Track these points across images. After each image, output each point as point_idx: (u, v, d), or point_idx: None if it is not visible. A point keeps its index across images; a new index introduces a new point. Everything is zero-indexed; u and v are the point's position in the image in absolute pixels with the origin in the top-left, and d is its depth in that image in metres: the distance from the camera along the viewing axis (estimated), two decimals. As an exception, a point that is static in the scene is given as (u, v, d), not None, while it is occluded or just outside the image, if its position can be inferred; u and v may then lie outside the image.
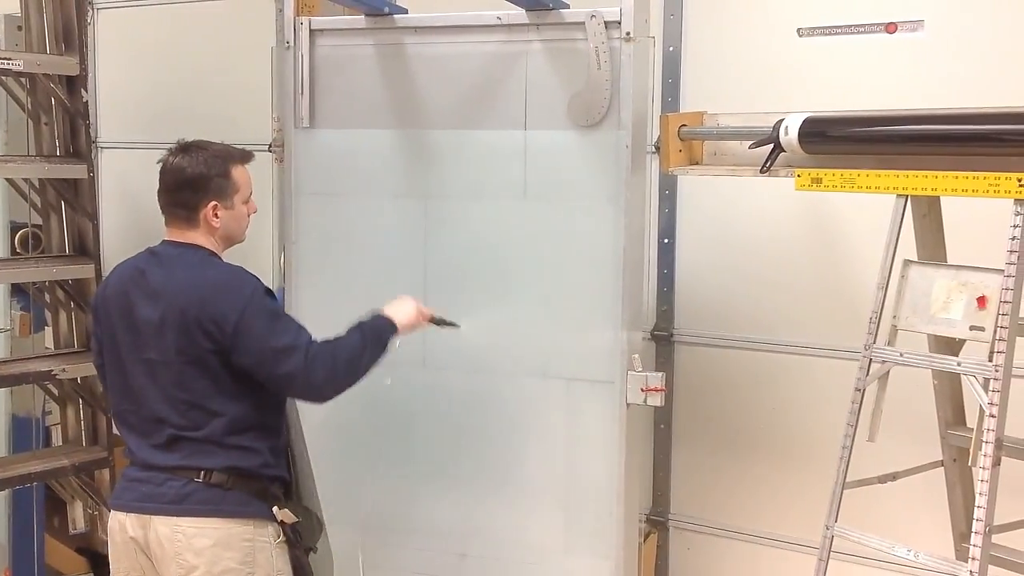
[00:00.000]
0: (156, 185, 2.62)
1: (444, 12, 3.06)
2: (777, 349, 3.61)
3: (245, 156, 2.66)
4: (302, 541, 2.65)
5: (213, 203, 2.57)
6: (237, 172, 2.62)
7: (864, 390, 2.79)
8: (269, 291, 2.60)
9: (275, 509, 2.56)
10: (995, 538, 2.64)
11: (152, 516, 2.50)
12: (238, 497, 2.51)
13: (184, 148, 2.61)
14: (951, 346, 2.76)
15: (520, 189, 3.00)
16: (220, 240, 2.63)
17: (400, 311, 2.73)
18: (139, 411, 2.56)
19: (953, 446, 3.01)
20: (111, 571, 2.65)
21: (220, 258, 2.62)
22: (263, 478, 2.55)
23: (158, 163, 2.63)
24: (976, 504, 2.53)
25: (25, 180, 3.85)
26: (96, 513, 3.90)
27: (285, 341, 2.49)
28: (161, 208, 2.63)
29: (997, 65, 3.17)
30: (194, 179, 2.56)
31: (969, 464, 2.78)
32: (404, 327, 2.72)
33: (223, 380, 2.50)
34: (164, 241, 2.63)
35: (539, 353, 3.01)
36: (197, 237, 2.59)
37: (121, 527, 2.56)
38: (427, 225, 3.11)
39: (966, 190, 2.54)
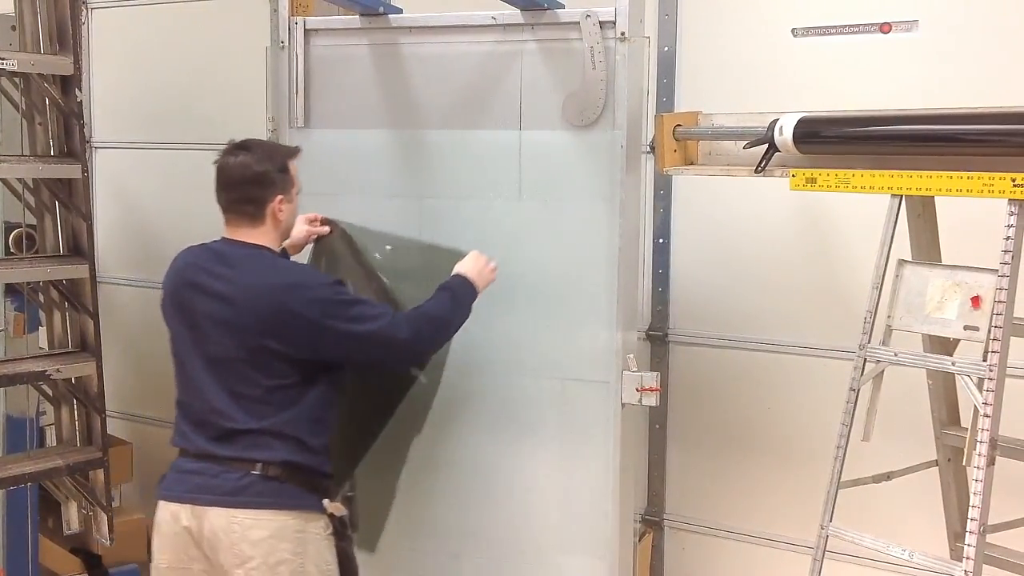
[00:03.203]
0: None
1: (439, 12, 3.06)
2: (772, 349, 3.62)
3: (295, 151, 2.75)
4: (350, 532, 2.72)
5: (279, 197, 2.63)
6: (292, 166, 2.70)
7: (859, 390, 2.80)
8: (337, 280, 2.69)
9: (325, 502, 2.61)
10: (989, 537, 2.65)
11: (208, 507, 2.53)
12: (293, 490, 2.55)
13: (242, 146, 2.66)
14: (946, 346, 2.76)
15: (515, 189, 3.00)
16: (280, 236, 2.70)
17: (475, 271, 2.82)
18: (198, 404, 2.60)
19: (948, 446, 3.02)
20: (153, 562, 2.66)
21: (284, 257, 2.71)
22: (316, 472, 2.61)
23: (214, 163, 2.65)
24: (971, 504, 2.54)
25: (19, 180, 3.83)
26: (90, 514, 3.89)
27: (369, 326, 2.58)
28: (224, 207, 2.66)
29: (991, 65, 3.17)
30: (262, 175, 2.62)
31: (963, 464, 2.78)
32: (481, 288, 2.82)
33: (287, 378, 2.55)
34: (225, 239, 2.66)
35: (534, 353, 3.01)
36: (260, 236, 2.64)
37: (174, 517, 2.58)
38: (422, 225, 3.11)
39: (960, 190, 2.54)
